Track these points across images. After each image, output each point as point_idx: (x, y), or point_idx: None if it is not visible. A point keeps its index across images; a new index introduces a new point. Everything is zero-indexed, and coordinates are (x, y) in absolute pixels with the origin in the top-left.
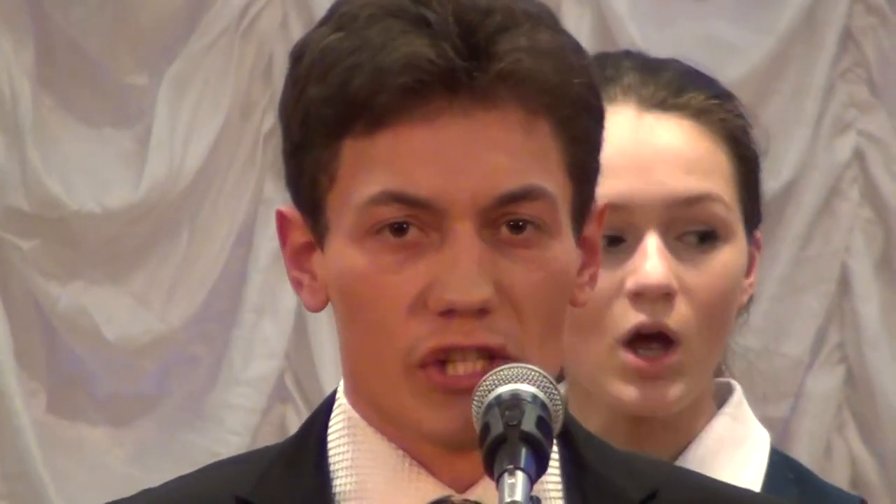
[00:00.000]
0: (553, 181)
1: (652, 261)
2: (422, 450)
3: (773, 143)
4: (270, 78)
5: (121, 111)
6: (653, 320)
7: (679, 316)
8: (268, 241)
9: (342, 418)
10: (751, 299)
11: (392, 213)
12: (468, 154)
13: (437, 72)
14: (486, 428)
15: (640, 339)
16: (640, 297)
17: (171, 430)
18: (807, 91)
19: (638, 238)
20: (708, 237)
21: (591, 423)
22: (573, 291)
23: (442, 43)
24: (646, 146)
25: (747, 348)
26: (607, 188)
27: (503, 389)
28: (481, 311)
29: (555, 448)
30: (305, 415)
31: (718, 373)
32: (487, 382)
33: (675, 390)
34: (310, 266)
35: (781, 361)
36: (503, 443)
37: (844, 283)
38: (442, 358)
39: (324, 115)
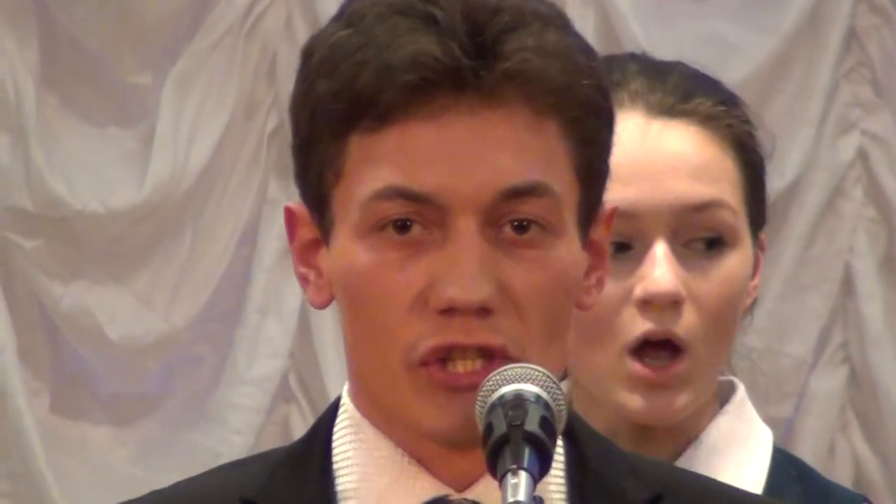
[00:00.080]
0: (559, 181)
1: (660, 268)
2: (422, 449)
3: (776, 143)
4: (274, 78)
5: (124, 111)
6: (661, 328)
7: (687, 323)
8: (272, 240)
9: (346, 419)
10: (755, 300)
11: (395, 208)
12: (472, 151)
13: (443, 70)
14: (489, 428)
15: (647, 347)
16: (648, 304)
17: (175, 429)
18: (810, 91)
19: (646, 245)
20: (715, 244)
21: (595, 422)
22: (579, 294)
23: (448, 41)
24: (654, 153)
25: (751, 348)
26: (615, 195)
27: (506, 389)
28: (482, 311)
29: (560, 447)
30: (309, 415)
31: (721, 372)
32: (491, 382)
33: (682, 400)
34: (316, 262)
35: (785, 361)
36: (506, 443)
37: (848, 283)
38: (443, 356)
39: (331, 110)
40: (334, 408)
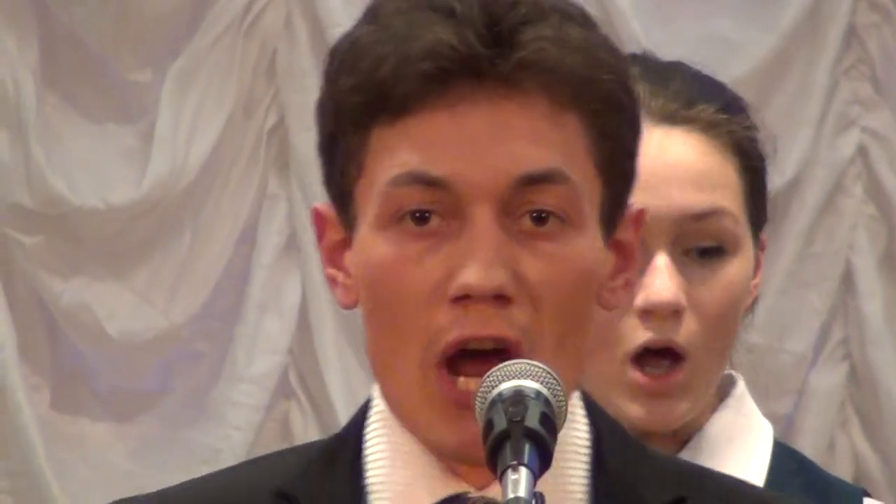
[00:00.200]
0: (578, 172)
1: (661, 278)
2: None
3: (776, 141)
4: (274, 75)
5: (124, 108)
6: (661, 337)
7: (687, 332)
8: (271, 237)
9: (377, 414)
10: (756, 299)
11: (412, 196)
12: (488, 139)
13: (459, 59)
14: (489, 424)
15: (648, 356)
16: (649, 314)
17: (174, 426)
18: (810, 88)
19: (647, 254)
20: (716, 251)
21: None
22: (603, 293)
23: (465, 31)
24: (655, 161)
25: (751, 345)
26: None
27: (506, 385)
28: (498, 298)
29: (588, 440)
30: (309, 411)
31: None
32: (490, 379)
33: (682, 408)
34: (343, 263)
35: (785, 358)
36: (506, 439)
37: (848, 280)
38: (460, 348)
39: (352, 104)
40: (367, 404)
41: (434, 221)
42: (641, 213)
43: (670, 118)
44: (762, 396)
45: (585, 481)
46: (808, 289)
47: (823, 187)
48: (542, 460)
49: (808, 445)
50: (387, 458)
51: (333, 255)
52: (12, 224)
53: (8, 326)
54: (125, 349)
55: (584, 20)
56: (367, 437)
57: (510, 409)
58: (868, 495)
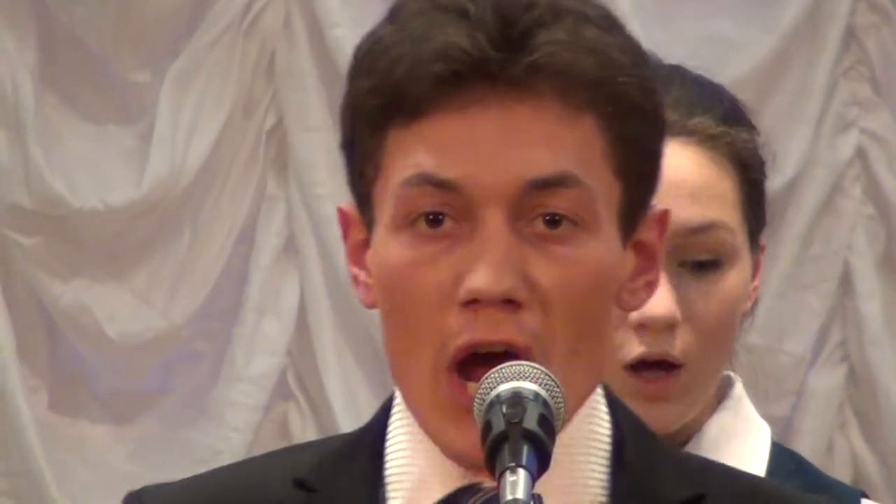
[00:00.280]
0: (593, 175)
1: (657, 292)
2: None
3: (775, 141)
4: (273, 75)
5: (123, 108)
6: (655, 350)
7: (683, 344)
8: (270, 238)
9: (399, 405)
10: (755, 302)
11: (424, 198)
12: (500, 142)
13: (470, 61)
14: (487, 426)
15: (643, 366)
16: (643, 327)
17: (174, 427)
18: (809, 89)
19: None
20: (713, 264)
21: None
22: (622, 295)
23: (477, 33)
24: None
25: (750, 346)
26: None
27: (505, 387)
28: (508, 303)
29: (608, 436)
30: (307, 412)
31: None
32: (489, 381)
33: (678, 410)
34: (365, 263)
35: (783, 359)
36: (505, 440)
37: (847, 281)
38: (471, 352)
39: (369, 105)
40: (391, 399)
41: (447, 224)
42: (666, 213)
43: (668, 129)
44: (761, 398)
45: (604, 476)
46: (806, 290)
47: (822, 188)
48: (541, 462)
49: (807, 447)
50: (408, 448)
51: (357, 254)
52: (11, 225)
53: (7, 328)
54: (124, 350)
55: (604, 21)
56: (391, 428)
57: (508, 410)
58: (866, 497)
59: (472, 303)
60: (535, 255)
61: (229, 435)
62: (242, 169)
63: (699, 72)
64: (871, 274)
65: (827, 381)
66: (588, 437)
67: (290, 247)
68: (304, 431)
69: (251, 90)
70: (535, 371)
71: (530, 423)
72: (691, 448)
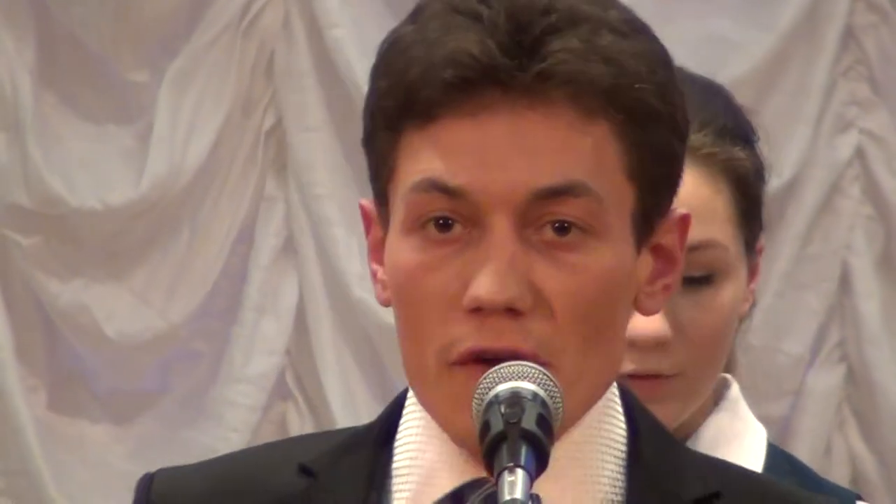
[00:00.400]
0: (605, 182)
1: None
2: None
3: (774, 141)
4: (272, 75)
5: (122, 108)
6: (644, 367)
7: (673, 360)
8: (269, 238)
9: (412, 400)
10: (753, 304)
11: (433, 203)
12: (508, 149)
13: (480, 68)
14: (486, 426)
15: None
16: (632, 345)
17: (172, 426)
18: (808, 89)
19: None
20: (706, 280)
21: None
22: (640, 298)
23: (488, 39)
24: None
25: (748, 346)
26: None
27: (503, 387)
28: (511, 311)
29: (623, 435)
30: (306, 412)
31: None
32: (487, 380)
33: (673, 409)
34: (383, 260)
35: (782, 359)
36: (503, 440)
37: (845, 281)
38: (476, 358)
39: (385, 106)
40: (404, 394)
41: (457, 228)
42: (686, 217)
43: None
44: (759, 398)
45: (619, 474)
46: (805, 290)
47: (821, 188)
48: (539, 461)
49: (806, 446)
50: (418, 442)
51: (376, 251)
52: (10, 224)
53: (5, 327)
54: (123, 350)
55: (625, 26)
56: (402, 422)
57: (507, 410)
58: (861, 499)
59: (477, 310)
60: (543, 263)
61: (228, 435)
62: (241, 169)
63: (699, 72)
64: (870, 274)
65: (825, 380)
66: (602, 435)
67: (289, 247)
68: (303, 431)
69: (250, 90)
70: (533, 371)
71: (529, 423)
72: None
